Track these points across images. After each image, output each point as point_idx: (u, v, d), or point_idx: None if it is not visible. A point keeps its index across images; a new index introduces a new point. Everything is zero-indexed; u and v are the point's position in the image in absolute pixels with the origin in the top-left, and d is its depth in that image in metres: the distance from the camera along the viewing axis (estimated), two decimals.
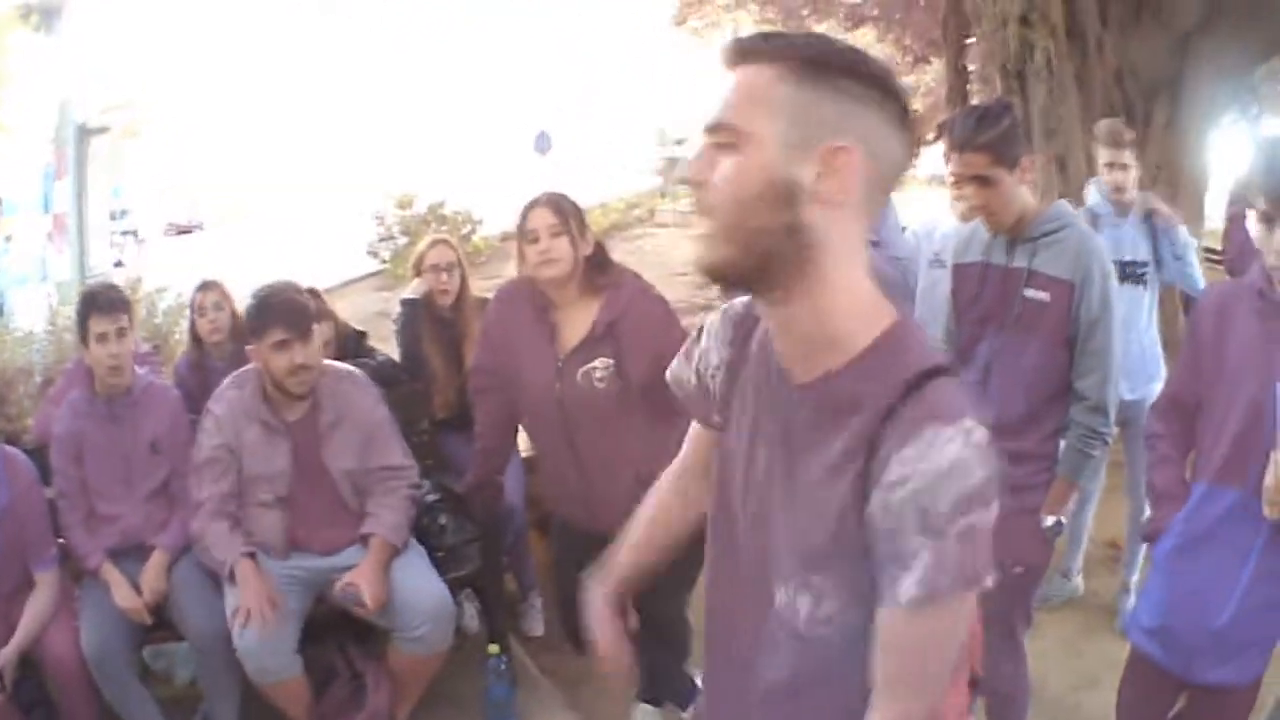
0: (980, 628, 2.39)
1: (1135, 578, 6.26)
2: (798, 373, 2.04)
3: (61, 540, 5.61)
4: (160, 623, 5.49)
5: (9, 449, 5.61)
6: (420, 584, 5.24)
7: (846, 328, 1.96)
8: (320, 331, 5.64)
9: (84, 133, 19.81)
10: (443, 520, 5.85)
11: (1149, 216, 6.28)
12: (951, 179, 4.56)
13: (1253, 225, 3.58)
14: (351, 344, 6.64)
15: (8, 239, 29.48)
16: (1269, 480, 3.35)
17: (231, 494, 5.31)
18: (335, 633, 5.57)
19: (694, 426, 2.61)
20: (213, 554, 5.21)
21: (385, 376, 6.10)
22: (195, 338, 6.84)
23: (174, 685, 5.99)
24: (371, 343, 6.92)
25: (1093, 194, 6.50)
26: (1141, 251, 6.27)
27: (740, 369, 2.24)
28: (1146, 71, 11.11)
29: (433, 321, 6.51)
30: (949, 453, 1.81)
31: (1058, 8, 10.78)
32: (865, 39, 28.96)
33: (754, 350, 2.21)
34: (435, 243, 6.69)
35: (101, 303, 5.55)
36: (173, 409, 5.75)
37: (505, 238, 18.83)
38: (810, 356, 2.00)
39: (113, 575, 5.39)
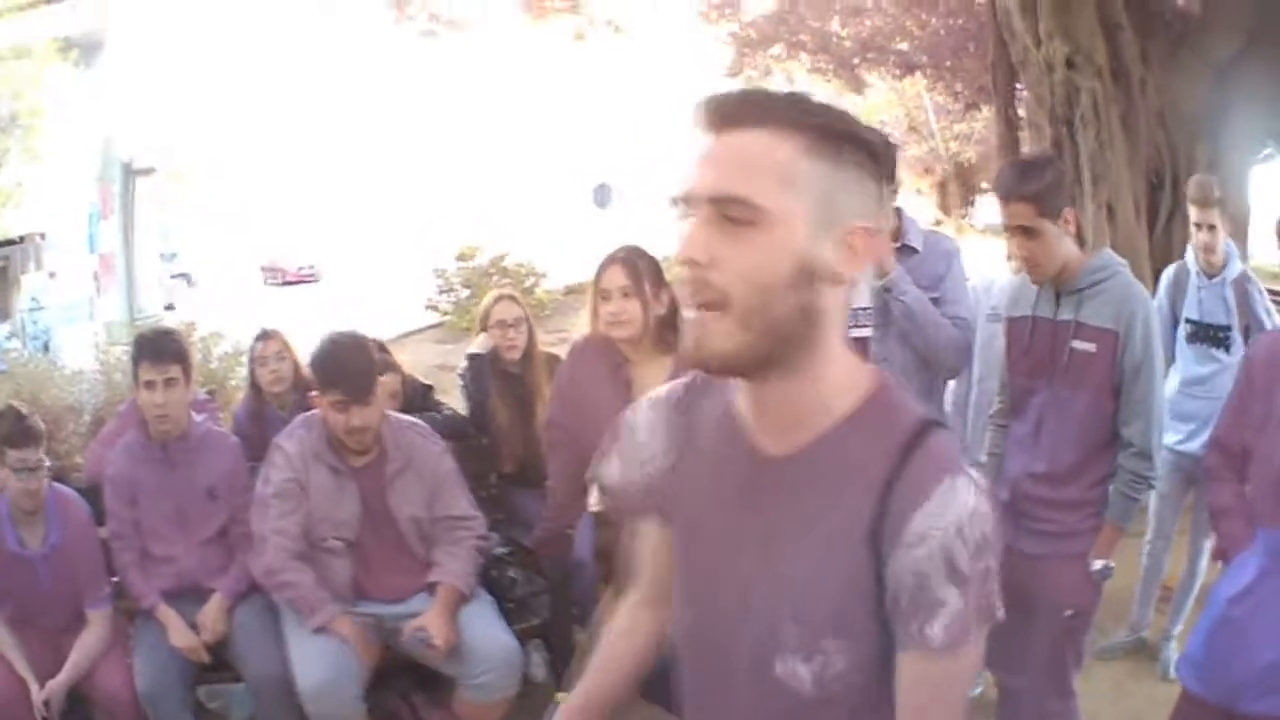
0: None
1: (1179, 629, 6.28)
2: (771, 445, 2.00)
3: (115, 579, 5.68)
4: (218, 662, 5.55)
5: (62, 488, 5.70)
6: (487, 631, 5.29)
7: (839, 392, 1.95)
8: (387, 384, 5.75)
9: (130, 173, 19.88)
10: (512, 573, 5.95)
11: (1241, 280, 6.22)
12: (1006, 231, 4.63)
13: None
14: (418, 397, 6.70)
15: (52, 276, 29.72)
16: None
17: (300, 532, 5.34)
18: (400, 680, 5.62)
19: (641, 549, 2.44)
20: (295, 595, 5.28)
21: (453, 430, 6.20)
22: (255, 387, 6.88)
23: None
24: (436, 396, 6.95)
25: (1189, 254, 6.45)
26: (1221, 315, 6.20)
27: (689, 455, 2.17)
28: (1187, 108, 11.09)
29: (499, 376, 6.55)
30: (967, 503, 1.83)
31: (1101, 49, 10.78)
32: (915, 87, 29.02)
33: (708, 430, 2.15)
34: (501, 298, 6.72)
35: (150, 351, 5.60)
36: (232, 456, 5.83)
37: (569, 291, 18.83)
38: (795, 427, 1.96)
39: (168, 615, 5.48)
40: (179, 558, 5.65)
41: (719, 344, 1.84)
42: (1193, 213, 6.34)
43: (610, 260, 4.79)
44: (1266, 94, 10.80)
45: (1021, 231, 4.40)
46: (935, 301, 5.17)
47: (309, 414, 5.52)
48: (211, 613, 5.52)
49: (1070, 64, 10.92)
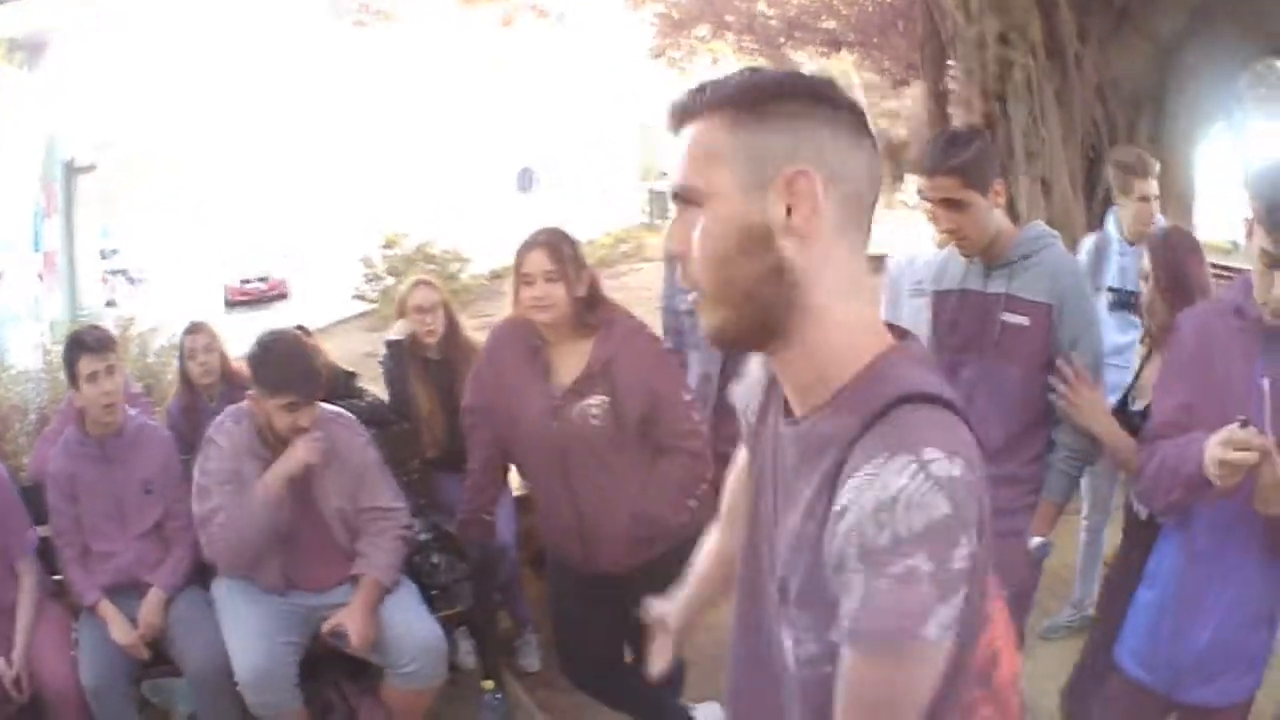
0: (1020, 693, 2.26)
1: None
2: (795, 407, 1.98)
3: (58, 577, 5.71)
4: (159, 657, 5.58)
5: None
6: (411, 620, 5.28)
7: (836, 363, 1.88)
8: None
9: (71, 170, 19.75)
10: (435, 559, 5.93)
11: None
12: (926, 204, 4.61)
13: (1252, 259, 3.53)
14: (341, 384, 6.65)
15: None
16: (1266, 478, 3.31)
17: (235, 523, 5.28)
18: (330, 668, 5.62)
19: (733, 475, 2.54)
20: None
21: (375, 417, 6.16)
22: (186, 380, 6.84)
23: (172, 719, 6.02)
24: (360, 384, 6.95)
25: (1110, 223, 6.52)
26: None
27: (766, 412, 2.15)
28: (1129, 85, 11.15)
29: (419, 362, 6.50)
30: (894, 485, 1.68)
31: (1036, 25, 10.81)
32: (843, 65, 29.09)
33: (775, 393, 2.11)
34: (418, 284, 6.65)
35: (90, 343, 5.60)
36: (165, 450, 5.81)
37: (494, 276, 18.85)
38: (805, 393, 1.93)
39: (109, 611, 5.48)
40: (118, 553, 5.66)
41: (710, 322, 1.92)
42: (1130, 184, 6.34)
43: (531, 244, 4.73)
44: (1212, 71, 10.88)
45: (948, 204, 4.33)
46: None
47: (237, 407, 5.47)
48: (149, 607, 5.51)
49: (1003, 40, 10.96)
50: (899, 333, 1.96)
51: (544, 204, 24.33)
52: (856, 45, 26.39)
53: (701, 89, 1.91)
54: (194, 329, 6.93)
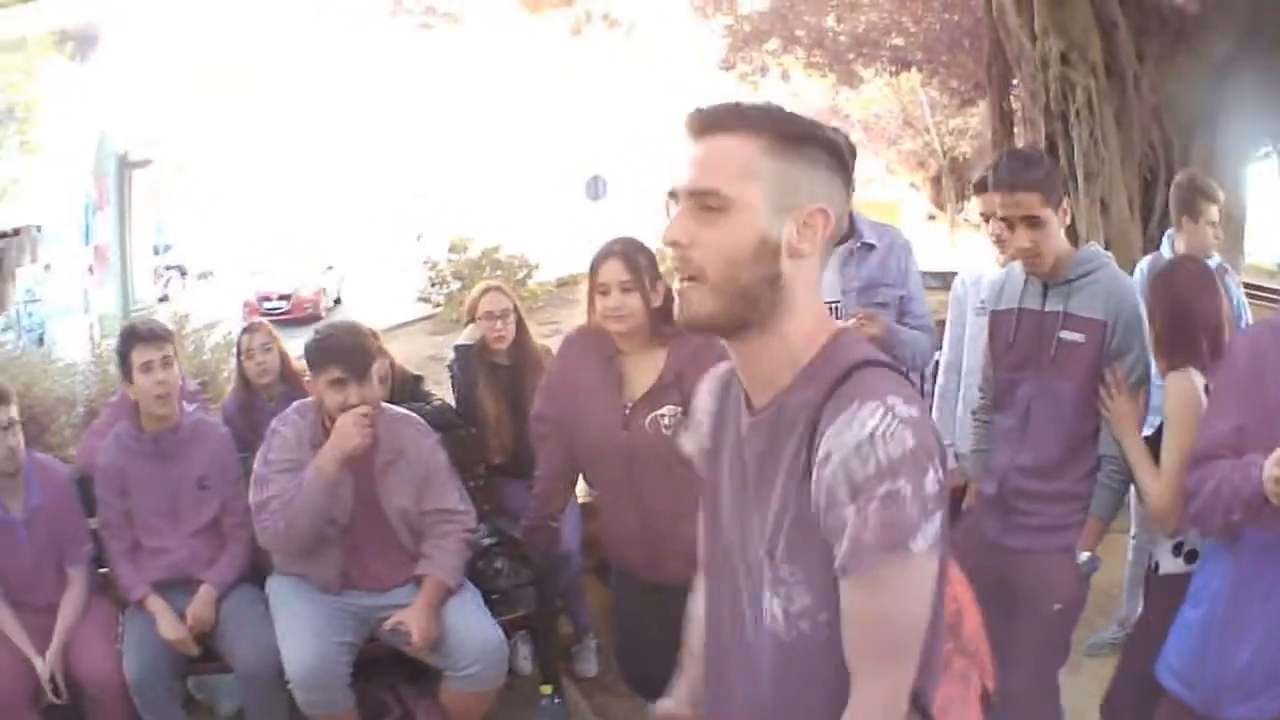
0: (986, 643, 2.56)
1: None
2: (757, 399, 2.31)
3: (104, 570, 5.76)
4: (207, 653, 5.58)
5: (40, 456, 5.78)
6: (472, 624, 5.30)
7: (803, 347, 2.25)
8: (376, 369, 5.73)
9: (125, 164, 19.82)
10: (498, 564, 5.97)
11: (1219, 270, 5.98)
12: (1001, 221, 4.63)
13: None
14: (407, 387, 6.67)
15: (46, 268, 29.60)
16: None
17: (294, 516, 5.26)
18: (387, 670, 5.65)
19: (701, 525, 2.68)
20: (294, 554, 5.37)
21: (441, 421, 6.14)
22: (244, 380, 6.86)
23: (217, 716, 6.07)
24: (427, 388, 6.94)
25: (1166, 245, 6.53)
26: None
27: (723, 416, 2.47)
28: (1184, 106, 11.13)
29: (487, 368, 6.52)
30: (869, 424, 2.03)
31: (1096, 46, 10.81)
32: (910, 82, 29.02)
33: (730, 396, 2.45)
34: (488, 290, 6.63)
35: (144, 333, 5.64)
36: (222, 446, 5.86)
37: (562, 283, 18.83)
38: (771, 381, 2.27)
39: (158, 606, 5.50)
40: (171, 549, 5.65)
41: (698, 308, 2.22)
42: (1202, 208, 6.34)
43: (607, 254, 4.72)
44: (1264, 93, 10.83)
45: (1027, 222, 4.39)
46: (902, 301, 5.34)
47: (303, 401, 5.52)
48: (200, 603, 5.52)
49: (1065, 60, 10.96)
50: (835, 323, 2.35)
51: (613, 213, 24.18)
52: (924, 63, 26.28)
53: (739, 108, 2.24)
54: (252, 328, 6.98)
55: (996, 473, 4.71)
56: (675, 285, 2.28)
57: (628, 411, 4.67)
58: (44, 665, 5.34)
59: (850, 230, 5.25)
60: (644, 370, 4.70)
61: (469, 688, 5.25)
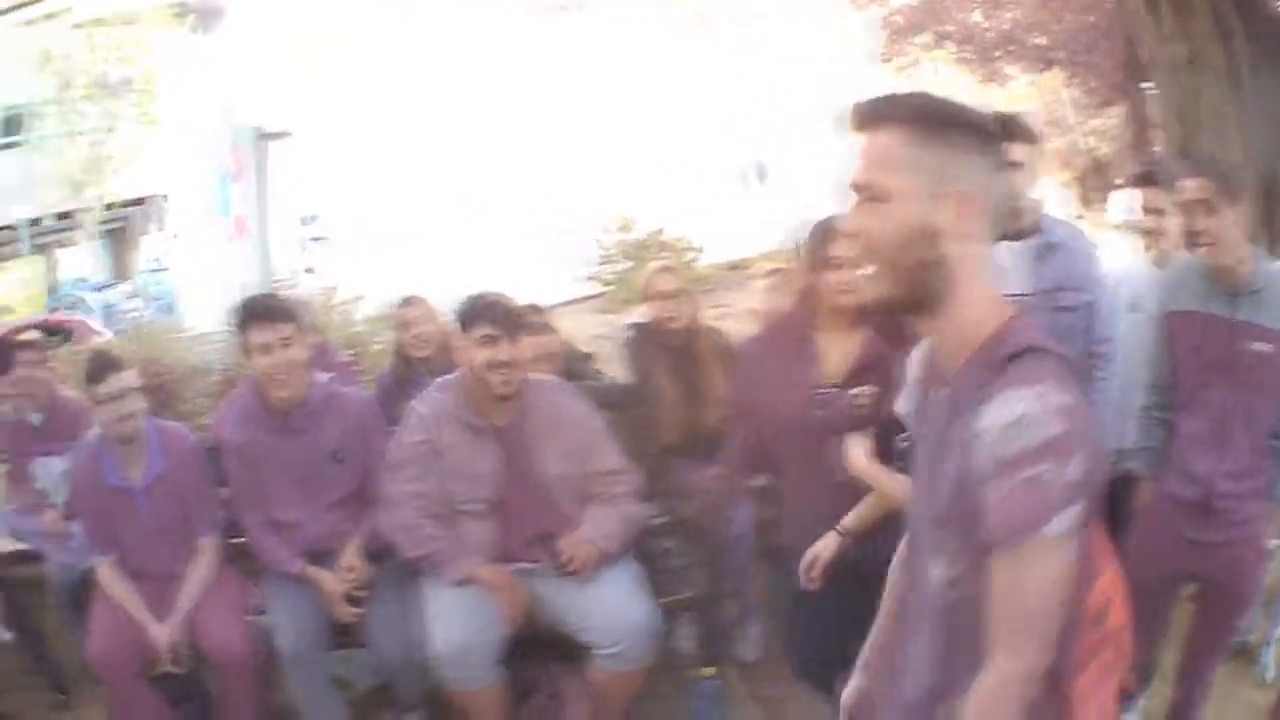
0: (1130, 635, 2.60)
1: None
2: (944, 375, 2.50)
3: (237, 539, 5.84)
4: (348, 629, 5.59)
5: (166, 423, 5.87)
6: (624, 601, 5.27)
7: (974, 331, 2.41)
8: (545, 344, 5.83)
9: (262, 136, 20.05)
10: (668, 543, 5.94)
11: None
12: (1179, 207, 4.66)
13: None
14: (578, 365, 6.70)
15: (174, 238, 29.99)
16: None
17: (432, 495, 5.34)
18: (538, 649, 5.57)
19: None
20: (434, 549, 5.29)
21: (611, 399, 6.19)
22: (401, 354, 6.90)
23: (353, 691, 6.05)
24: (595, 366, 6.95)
25: None
26: None
27: (927, 391, 2.63)
28: None
29: (661, 347, 6.53)
30: (1018, 409, 2.20)
31: (1218, 51, 10.73)
32: (1054, 81, 28.76)
33: (930, 367, 2.63)
34: (660, 269, 6.70)
35: (260, 311, 5.53)
36: (360, 416, 5.77)
37: (733, 266, 18.72)
38: (951, 359, 2.45)
39: (316, 573, 5.54)
40: (305, 523, 5.66)
41: (871, 291, 2.43)
42: None
43: (833, 229, 4.53)
44: None
45: (1202, 206, 4.42)
46: (1089, 309, 5.31)
47: (446, 377, 5.52)
48: (349, 557, 5.56)
49: (1192, 63, 10.89)
50: (1015, 307, 2.47)
51: (776, 198, 24.17)
52: (1067, 63, 26.09)
53: (890, 101, 2.42)
54: (409, 301, 7.00)
55: (1199, 480, 4.70)
56: (856, 272, 2.48)
57: (823, 392, 4.59)
58: (164, 634, 5.41)
59: (1035, 226, 5.21)
60: (840, 352, 4.63)
61: (615, 666, 5.22)
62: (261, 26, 28.18)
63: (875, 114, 2.41)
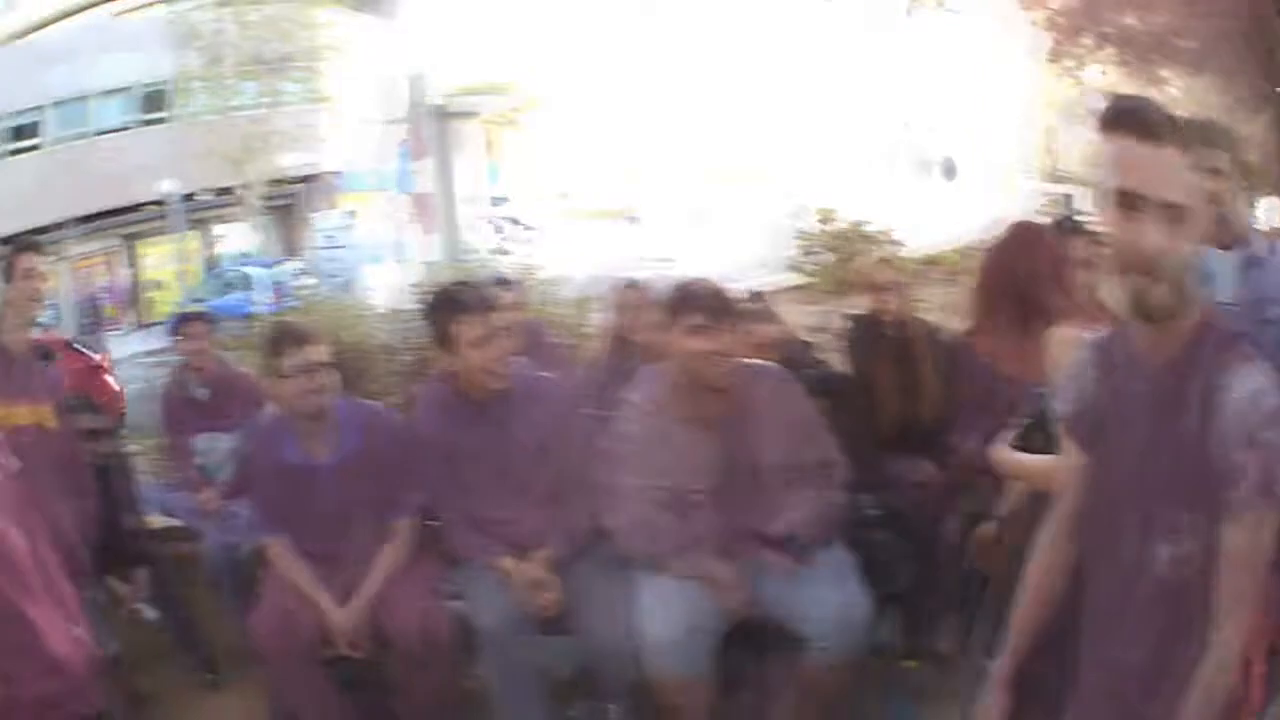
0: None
1: None
2: (1152, 365, 2.71)
3: (434, 521, 5.68)
4: (551, 617, 5.41)
5: (361, 402, 5.86)
6: (839, 592, 5.16)
7: (1191, 322, 2.65)
8: (767, 333, 5.85)
9: (444, 115, 20.23)
10: (880, 536, 5.85)
11: None
12: None
13: None
14: (798, 353, 6.65)
15: (351, 214, 30.17)
16: None
17: (661, 489, 5.19)
18: (748, 641, 5.40)
19: (1067, 479, 3.08)
20: (663, 544, 5.18)
21: (831, 388, 6.16)
22: (620, 338, 6.83)
23: (549, 679, 5.83)
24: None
25: None
26: None
27: (1111, 379, 2.84)
28: None
29: (880, 340, 6.53)
30: (1258, 380, 2.52)
31: None
32: (1204, 86, 28.46)
33: (1120, 362, 2.82)
34: (879, 261, 6.85)
35: (471, 303, 5.39)
36: (563, 403, 5.71)
37: (929, 261, 18.69)
38: (1168, 347, 2.67)
39: (522, 567, 5.37)
40: (514, 520, 5.49)
41: (1155, 302, 2.58)
42: None
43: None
44: None
45: None
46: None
47: (657, 365, 5.42)
48: (540, 565, 5.39)
49: None
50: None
51: (965, 193, 24.21)
52: (1217, 70, 25.85)
53: (1174, 121, 2.60)
54: (629, 285, 6.95)
55: None
56: (1121, 279, 2.62)
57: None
58: (344, 616, 5.27)
59: (1243, 236, 5.01)
60: (1065, 345, 4.38)
61: (827, 657, 5.11)
62: (438, 4, 28.29)
63: (1159, 130, 2.57)
